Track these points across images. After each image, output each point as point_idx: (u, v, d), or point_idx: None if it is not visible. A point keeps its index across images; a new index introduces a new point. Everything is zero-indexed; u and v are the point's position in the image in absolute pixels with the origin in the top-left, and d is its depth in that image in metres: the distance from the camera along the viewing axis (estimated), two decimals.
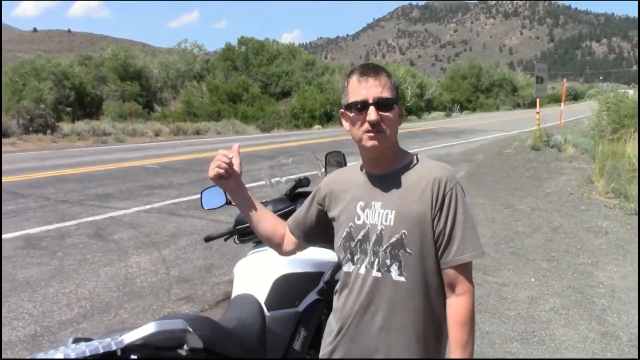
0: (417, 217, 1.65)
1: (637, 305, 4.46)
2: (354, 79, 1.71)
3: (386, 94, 1.67)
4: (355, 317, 1.71)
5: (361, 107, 1.66)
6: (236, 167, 1.87)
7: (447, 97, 58.66)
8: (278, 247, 2.01)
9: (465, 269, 1.67)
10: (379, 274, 1.67)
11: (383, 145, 1.68)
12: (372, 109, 1.64)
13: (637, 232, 6.71)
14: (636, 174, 8.93)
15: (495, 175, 11.31)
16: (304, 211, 1.96)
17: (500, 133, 23.25)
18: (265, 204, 2.61)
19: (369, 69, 1.71)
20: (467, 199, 1.74)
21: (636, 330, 4.02)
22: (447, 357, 1.71)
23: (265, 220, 1.98)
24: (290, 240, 1.99)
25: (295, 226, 1.97)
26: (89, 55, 50.96)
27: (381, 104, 1.65)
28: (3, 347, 3.85)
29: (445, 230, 1.65)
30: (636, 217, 7.24)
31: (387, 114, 1.67)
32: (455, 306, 1.66)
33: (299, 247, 2.02)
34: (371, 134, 1.66)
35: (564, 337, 3.94)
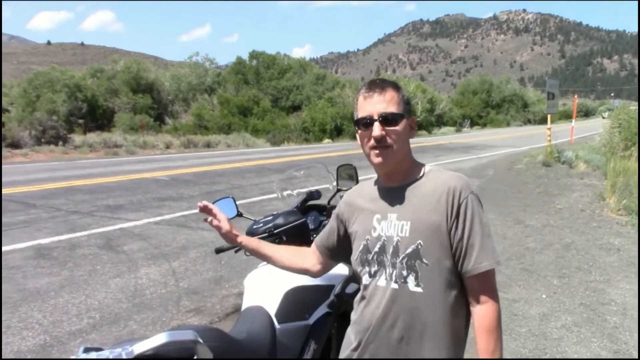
0: (432, 227, 1.65)
1: None
2: (361, 95, 1.74)
3: (392, 109, 1.68)
4: (374, 330, 1.70)
5: (367, 123, 1.69)
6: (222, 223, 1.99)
7: (458, 113, 58.62)
8: (306, 271, 2.05)
9: (487, 277, 1.66)
10: (396, 286, 1.67)
11: (390, 161, 1.70)
12: (376, 124, 1.67)
13: (637, 243, 6.66)
14: None
15: (506, 191, 11.26)
16: (328, 229, 1.99)
17: (511, 149, 23.19)
18: (276, 216, 2.61)
19: (375, 85, 1.74)
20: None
21: None
22: None
23: (282, 255, 2.06)
24: (317, 260, 2.02)
25: (321, 244, 2.00)
26: (102, 68, 51.35)
27: (387, 119, 1.67)
28: (13, 356, 3.86)
29: (463, 239, 1.64)
30: None
31: (394, 128, 1.68)
32: (481, 314, 1.65)
33: (327, 265, 2.04)
34: (376, 151, 1.69)
35: (576, 355, 3.90)
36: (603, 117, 68.43)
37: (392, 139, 1.67)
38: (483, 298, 1.65)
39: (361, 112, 1.71)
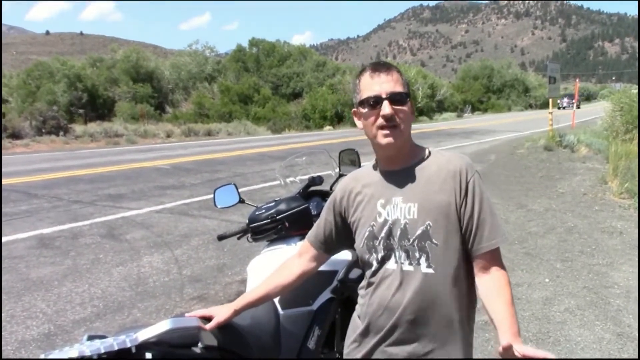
0: (441, 208, 1.65)
1: None
2: (366, 75, 1.72)
3: (399, 89, 1.68)
4: (385, 312, 1.69)
5: (374, 102, 1.66)
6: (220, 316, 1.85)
7: (459, 98, 58.49)
8: (303, 275, 1.97)
9: (497, 254, 1.69)
10: (410, 268, 1.66)
11: (398, 141, 1.68)
12: (385, 103, 1.64)
13: (637, 228, 6.67)
14: None
15: (508, 176, 11.25)
16: (322, 222, 1.94)
17: (513, 134, 23.13)
18: (278, 202, 2.60)
19: (381, 65, 1.73)
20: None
21: None
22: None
23: (272, 283, 1.96)
24: (311, 257, 1.96)
25: (316, 240, 1.95)
26: (101, 57, 51.22)
27: (395, 99, 1.66)
28: (17, 345, 3.87)
29: (473, 217, 1.66)
30: None
31: (401, 108, 1.67)
32: (492, 280, 1.67)
33: (321, 260, 1.99)
34: (386, 131, 1.66)
35: (580, 338, 3.90)
36: (560, 108, 51.92)
37: (400, 118, 1.66)
38: (493, 269, 1.68)
39: (367, 92, 1.68)
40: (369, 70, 1.73)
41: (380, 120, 1.66)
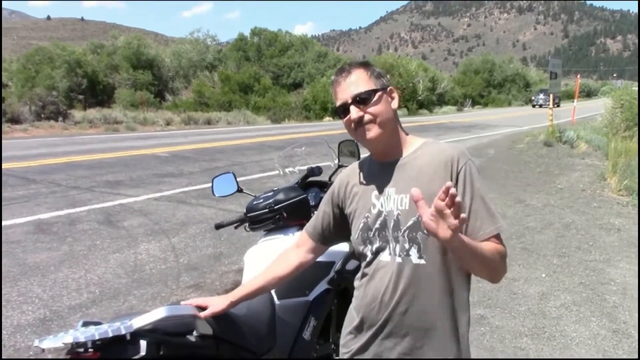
0: (432, 197, 1.59)
1: None
2: (334, 84, 1.76)
3: (361, 88, 1.69)
4: (378, 304, 1.68)
5: (344, 109, 1.71)
6: (215, 307, 1.86)
7: (459, 92, 58.48)
8: (300, 267, 1.99)
9: (495, 239, 1.63)
10: (400, 259, 1.65)
11: (377, 134, 1.69)
12: (352, 108, 1.68)
13: (638, 223, 6.67)
14: None
15: (507, 171, 11.24)
16: (320, 215, 1.96)
17: (512, 128, 23.10)
18: (276, 192, 2.59)
19: (341, 71, 1.76)
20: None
21: None
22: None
23: (270, 274, 1.98)
24: (308, 249, 1.98)
25: (314, 231, 1.96)
26: (102, 44, 51.03)
27: (359, 100, 1.68)
28: (13, 330, 3.86)
29: (465, 205, 1.62)
30: None
31: (370, 105, 1.68)
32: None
33: (319, 251, 2.00)
34: (360, 130, 1.69)
35: (575, 334, 3.90)
36: (534, 106, 48.64)
37: (372, 114, 1.67)
38: None
39: (337, 101, 1.74)
40: (333, 78, 1.77)
41: (354, 124, 1.69)
